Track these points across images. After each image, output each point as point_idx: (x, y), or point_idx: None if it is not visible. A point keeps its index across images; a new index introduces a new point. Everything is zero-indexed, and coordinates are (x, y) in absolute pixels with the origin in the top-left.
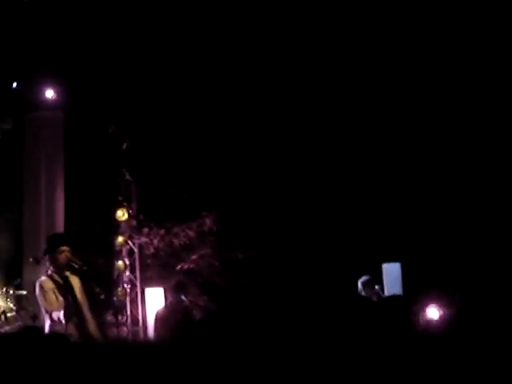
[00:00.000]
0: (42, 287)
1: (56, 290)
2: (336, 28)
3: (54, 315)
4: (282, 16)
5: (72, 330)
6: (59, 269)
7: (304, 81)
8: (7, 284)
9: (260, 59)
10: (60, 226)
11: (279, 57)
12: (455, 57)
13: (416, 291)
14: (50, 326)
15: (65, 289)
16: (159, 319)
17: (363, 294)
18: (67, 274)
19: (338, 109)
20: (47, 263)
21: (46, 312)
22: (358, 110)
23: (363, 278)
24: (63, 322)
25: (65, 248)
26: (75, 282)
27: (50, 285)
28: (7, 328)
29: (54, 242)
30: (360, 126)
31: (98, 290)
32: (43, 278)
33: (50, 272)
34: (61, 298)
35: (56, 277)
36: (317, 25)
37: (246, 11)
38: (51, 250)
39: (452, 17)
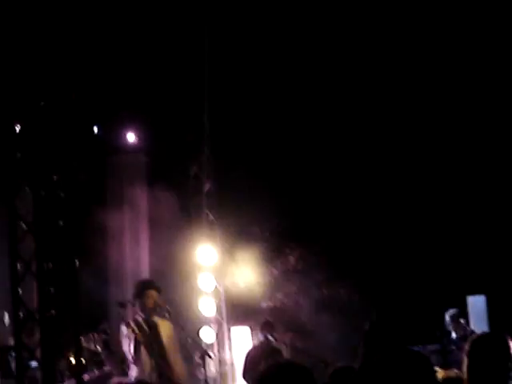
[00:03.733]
0: (123, 332)
1: (132, 336)
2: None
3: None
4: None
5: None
6: (146, 314)
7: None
8: (94, 328)
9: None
10: (145, 270)
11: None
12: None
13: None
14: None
15: (149, 334)
16: (250, 360)
17: (450, 327)
18: (155, 318)
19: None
20: (136, 308)
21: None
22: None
23: (451, 312)
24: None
25: (153, 293)
26: (164, 327)
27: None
28: (96, 373)
29: (142, 286)
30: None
31: (184, 332)
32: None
33: (137, 317)
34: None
35: (141, 321)
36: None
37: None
38: (139, 295)
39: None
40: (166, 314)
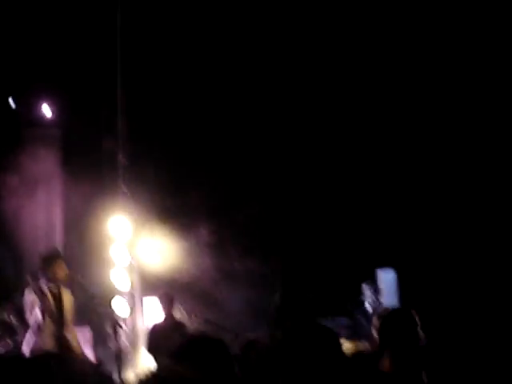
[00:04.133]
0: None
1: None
2: (336, 28)
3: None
4: (283, 16)
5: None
6: (54, 283)
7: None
8: (6, 299)
9: (262, 60)
10: (59, 241)
11: (280, 57)
12: (455, 57)
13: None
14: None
15: (53, 302)
16: (154, 335)
17: (365, 297)
18: (60, 288)
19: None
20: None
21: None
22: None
23: (369, 281)
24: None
25: (62, 263)
26: (67, 297)
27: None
28: (9, 342)
29: (51, 256)
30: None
31: (96, 301)
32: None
33: (41, 284)
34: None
35: (45, 290)
36: (317, 25)
37: (247, 11)
38: (48, 264)
39: (452, 17)
40: (78, 283)
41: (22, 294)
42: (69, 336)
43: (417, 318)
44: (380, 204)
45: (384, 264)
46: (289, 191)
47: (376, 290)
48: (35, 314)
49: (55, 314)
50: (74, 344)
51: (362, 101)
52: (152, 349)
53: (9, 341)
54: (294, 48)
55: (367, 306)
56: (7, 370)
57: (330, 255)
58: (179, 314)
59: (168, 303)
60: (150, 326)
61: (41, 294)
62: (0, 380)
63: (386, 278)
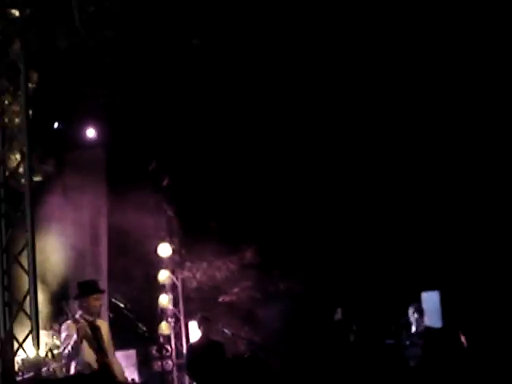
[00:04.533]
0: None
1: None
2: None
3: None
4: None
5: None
6: (90, 315)
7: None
8: (53, 321)
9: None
10: (104, 264)
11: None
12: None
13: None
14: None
15: (92, 335)
16: (192, 355)
17: (412, 320)
18: (97, 320)
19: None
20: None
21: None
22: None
23: (414, 305)
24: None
25: (99, 295)
26: (105, 328)
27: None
28: (54, 365)
29: (88, 287)
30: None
31: (141, 326)
32: (69, 321)
33: (77, 316)
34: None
35: (83, 323)
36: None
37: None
38: (84, 295)
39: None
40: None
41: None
42: (112, 365)
43: (463, 339)
44: (427, 227)
45: (429, 286)
46: (333, 214)
47: (421, 313)
48: (69, 348)
49: (95, 343)
50: (117, 372)
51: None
52: (190, 367)
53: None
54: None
55: (413, 328)
56: None
57: (376, 278)
58: (219, 335)
59: (204, 324)
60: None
61: (77, 326)
62: None
63: (431, 300)
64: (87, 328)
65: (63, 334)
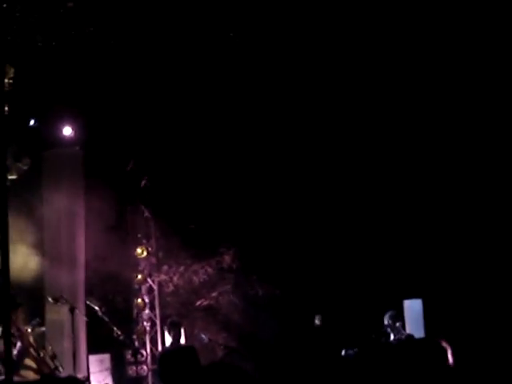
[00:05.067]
0: None
1: None
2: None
3: None
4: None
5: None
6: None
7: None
8: (27, 323)
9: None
10: (80, 265)
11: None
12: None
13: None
14: None
15: None
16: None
17: (389, 329)
18: None
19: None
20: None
21: None
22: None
23: (390, 313)
24: None
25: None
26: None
27: None
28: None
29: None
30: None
31: (116, 330)
32: None
33: None
34: None
35: None
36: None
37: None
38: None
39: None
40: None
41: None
42: None
43: (448, 348)
44: (410, 234)
45: (411, 294)
46: (313, 219)
47: (396, 320)
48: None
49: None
50: None
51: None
52: (163, 376)
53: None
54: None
55: (392, 336)
56: None
57: (358, 284)
58: (196, 340)
59: (174, 330)
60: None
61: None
62: None
63: (413, 309)
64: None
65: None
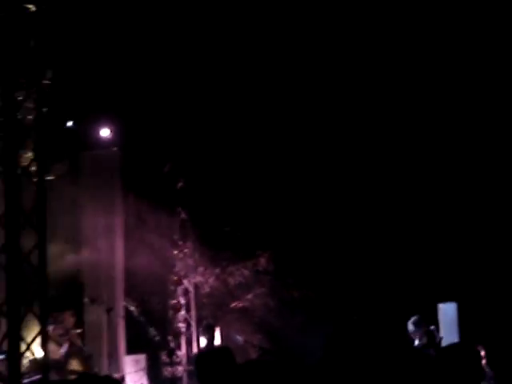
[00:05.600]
0: None
1: None
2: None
3: None
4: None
5: None
6: None
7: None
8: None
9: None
10: (119, 265)
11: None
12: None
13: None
14: None
15: None
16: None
17: (414, 335)
18: None
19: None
20: None
21: None
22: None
23: (413, 319)
24: None
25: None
26: None
27: None
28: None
29: None
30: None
31: (152, 331)
32: None
33: None
34: None
35: None
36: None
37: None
38: None
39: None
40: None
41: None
42: None
43: (483, 353)
44: (445, 237)
45: (445, 298)
46: (347, 220)
47: (421, 326)
48: None
49: None
50: None
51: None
52: (200, 376)
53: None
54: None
55: (417, 342)
56: None
57: (392, 288)
58: (230, 341)
59: (208, 332)
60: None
61: None
62: None
63: (447, 312)
64: None
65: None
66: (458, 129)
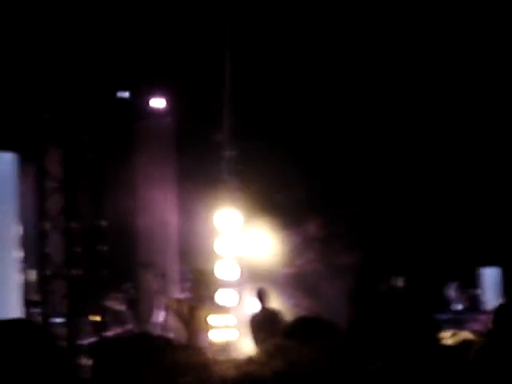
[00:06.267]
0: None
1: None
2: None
3: None
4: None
5: None
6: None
7: None
8: (118, 287)
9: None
10: (173, 234)
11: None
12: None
13: None
14: None
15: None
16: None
17: (455, 300)
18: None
19: None
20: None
21: None
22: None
23: (452, 285)
24: None
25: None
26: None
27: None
28: (119, 330)
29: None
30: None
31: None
32: None
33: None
34: None
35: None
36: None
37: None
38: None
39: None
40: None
41: (134, 283)
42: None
43: None
44: (487, 203)
45: (488, 262)
46: (392, 186)
47: (462, 291)
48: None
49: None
50: None
51: None
52: (254, 337)
53: (119, 329)
54: None
55: (459, 307)
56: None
57: (436, 252)
58: (281, 306)
59: (262, 297)
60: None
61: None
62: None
63: (491, 277)
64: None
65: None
66: None
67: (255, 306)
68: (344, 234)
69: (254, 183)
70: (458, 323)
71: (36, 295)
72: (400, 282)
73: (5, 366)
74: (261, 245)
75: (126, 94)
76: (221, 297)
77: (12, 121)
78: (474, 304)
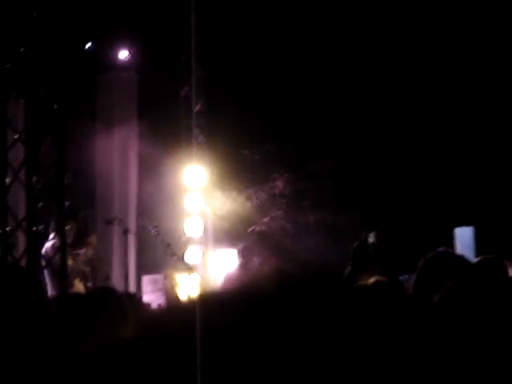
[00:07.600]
0: None
1: None
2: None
3: None
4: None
5: None
6: None
7: None
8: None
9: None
10: (133, 189)
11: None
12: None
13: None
14: None
15: None
16: (228, 280)
17: None
18: None
19: None
20: None
21: None
22: None
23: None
24: None
25: None
26: None
27: None
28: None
29: None
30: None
31: (171, 251)
32: None
33: None
34: None
35: None
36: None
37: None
38: None
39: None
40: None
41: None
42: None
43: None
44: (461, 164)
45: (462, 223)
46: (366, 144)
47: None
48: None
49: None
50: None
51: None
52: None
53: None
54: None
55: None
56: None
57: (409, 212)
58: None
59: (247, 256)
60: (224, 275)
61: None
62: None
63: (464, 237)
64: None
65: None
66: None
67: (229, 265)
68: (312, 191)
69: (220, 139)
70: None
71: None
72: (371, 238)
73: None
74: (227, 202)
75: (90, 45)
76: (188, 255)
77: None
78: None
